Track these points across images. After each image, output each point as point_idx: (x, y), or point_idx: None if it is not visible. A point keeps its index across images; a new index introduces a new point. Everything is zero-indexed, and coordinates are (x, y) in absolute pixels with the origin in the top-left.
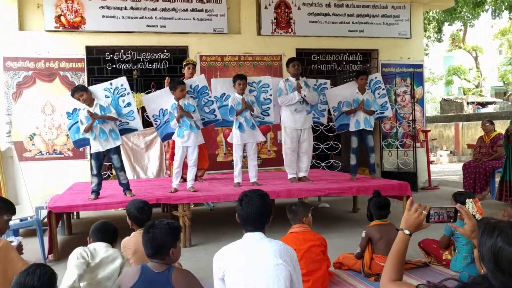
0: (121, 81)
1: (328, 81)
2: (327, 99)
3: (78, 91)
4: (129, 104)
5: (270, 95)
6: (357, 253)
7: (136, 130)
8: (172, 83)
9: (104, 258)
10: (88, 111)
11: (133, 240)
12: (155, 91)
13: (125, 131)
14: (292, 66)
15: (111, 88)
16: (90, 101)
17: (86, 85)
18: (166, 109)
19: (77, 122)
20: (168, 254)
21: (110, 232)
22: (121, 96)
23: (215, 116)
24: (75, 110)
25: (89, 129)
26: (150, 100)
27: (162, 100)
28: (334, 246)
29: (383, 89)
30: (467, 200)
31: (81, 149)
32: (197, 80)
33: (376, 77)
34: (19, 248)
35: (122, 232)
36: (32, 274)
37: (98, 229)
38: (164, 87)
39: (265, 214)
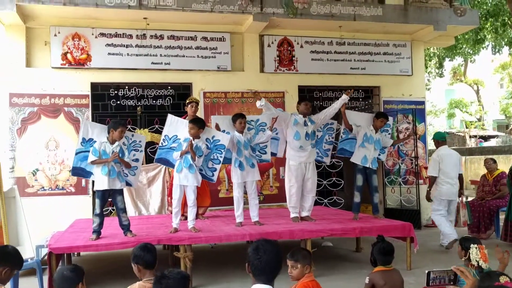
0: (141, 138)
1: (335, 122)
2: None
3: (123, 126)
4: (137, 160)
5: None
6: None
7: (130, 185)
8: (114, 123)
9: None
10: (114, 151)
11: None
12: (159, 127)
13: None
14: (305, 104)
15: (131, 138)
16: (115, 140)
17: (90, 121)
18: (179, 139)
19: (87, 151)
20: None
21: (70, 279)
22: (135, 150)
23: (212, 175)
24: (90, 139)
25: (100, 163)
26: (173, 122)
27: (181, 128)
28: None
29: (389, 133)
30: (472, 245)
31: (83, 184)
32: (222, 136)
33: (388, 121)
34: None
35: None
36: None
37: (59, 279)
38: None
39: (280, 266)
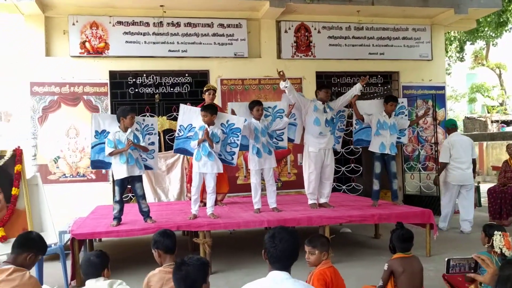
0: (153, 121)
1: (346, 109)
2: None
3: (132, 112)
4: (152, 143)
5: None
6: (379, 286)
7: (151, 169)
8: (123, 111)
9: None
10: (128, 138)
11: (158, 276)
12: (177, 114)
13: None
14: (325, 91)
15: (142, 123)
16: (127, 127)
17: (109, 109)
18: (194, 127)
19: (103, 143)
20: None
21: (97, 264)
22: (149, 134)
23: (232, 159)
24: (103, 131)
25: (117, 153)
26: (186, 111)
27: (197, 117)
28: (355, 275)
29: (406, 115)
30: (496, 232)
31: (103, 171)
32: (236, 119)
33: (402, 102)
34: None
35: (142, 260)
36: None
37: (84, 264)
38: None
39: (296, 254)
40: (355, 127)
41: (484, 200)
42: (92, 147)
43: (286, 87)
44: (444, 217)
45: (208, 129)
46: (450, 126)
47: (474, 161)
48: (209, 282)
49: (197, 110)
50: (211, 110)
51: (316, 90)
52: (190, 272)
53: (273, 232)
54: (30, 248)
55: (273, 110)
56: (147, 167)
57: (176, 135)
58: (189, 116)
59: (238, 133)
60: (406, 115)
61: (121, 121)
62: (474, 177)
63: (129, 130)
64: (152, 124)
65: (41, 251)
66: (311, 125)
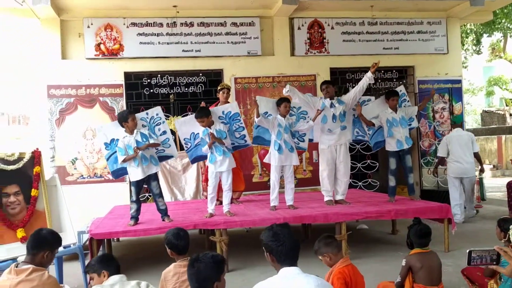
0: (157, 111)
1: (372, 98)
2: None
3: (131, 114)
4: (164, 132)
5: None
6: (397, 282)
7: (172, 157)
8: (122, 116)
9: None
10: (137, 143)
11: (173, 271)
12: (192, 113)
13: (162, 158)
14: (325, 87)
15: (147, 117)
16: (132, 129)
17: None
18: (198, 133)
19: (115, 152)
20: None
21: (115, 261)
22: (157, 124)
23: (245, 141)
24: (112, 140)
25: (129, 159)
26: (182, 124)
27: (194, 124)
28: (373, 271)
29: (408, 100)
30: (511, 227)
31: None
32: (230, 107)
33: (400, 90)
34: None
35: (159, 259)
36: None
37: (104, 260)
38: None
39: (299, 248)
40: (368, 133)
41: (503, 194)
42: (107, 159)
43: (288, 92)
44: (456, 209)
45: (211, 130)
46: (452, 123)
47: (476, 155)
48: (224, 280)
49: (190, 118)
50: (204, 113)
51: (321, 86)
52: (202, 269)
53: (273, 232)
54: (44, 246)
55: (297, 111)
56: (168, 157)
57: (186, 148)
58: (187, 126)
59: (239, 117)
60: (408, 101)
61: (124, 126)
62: (482, 171)
63: (135, 131)
64: (157, 114)
65: (56, 245)
66: (319, 122)
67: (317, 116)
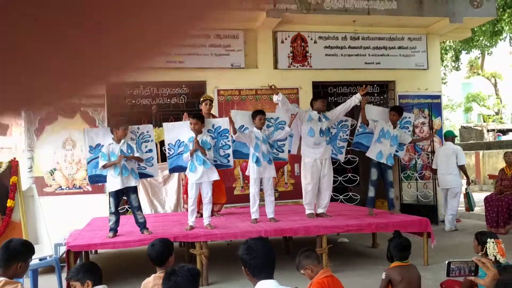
0: (148, 128)
1: (350, 119)
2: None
3: (124, 124)
4: (150, 151)
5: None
6: None
7: (151, 176)
8: (116, 122)
9: None
10: (121, 152)
11: (153, 283)
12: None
13: (142, 175)
14: (322, 101)
15: (137, 132)
16: (120, 138)
17: (106, 121)
18: (183, 142)
19: (97, 157)
20: None
21: (99, 270)
22: (145, 141)
23: (228, 161)
24: (98, 145)
25: (110, 165)
26: (170, 129)
27: (181, 131)
28: (353, 284)
29: (410, 131)
30: (488, 240)
31: (99, 184)
32: (221, 121)
33: (409, 117)
34: None
35: (139, 271)
36: None
37: (89, 268)
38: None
39: (275, 259)
40: (358, 130)
41: (480, 208)
42: (88, 163)
43: (279, 100)
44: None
45: (198, 137)
46: (446, 135)
47: (462, 167)
48: None
49: (181, 124)
50: (201, 118)
51: (312, 101)
52: (179, 283)
53: (247, 245)
54: (16, 258)
55: (275, 121)
56: (147, 175)
57: (168, 154)
58: (175, 132)
59: (227, 134)
60: (410, 131)
61: (114, 132)
62: (469, 183)
63: (122, 141)
64: (148, 131)
65: (28, 256)
66: (305, 135)
67: (292, 121)
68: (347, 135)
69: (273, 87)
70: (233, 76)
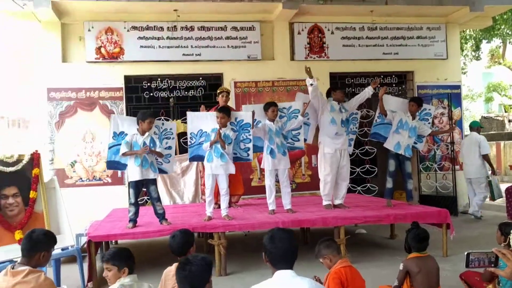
0: (172, 126)
1: (359, 112)
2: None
3: (151, 117)
4: (169, 148)
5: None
6: (394, 286)
7: (166, 173)
8: (143, 114)
9: None
10: (144, 144)
11: (174, 271)
12: None
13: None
14: (341, 92)
15: (161, 127)
16: (144, 131)
17: (125, 113)
18: (205, 132)
19: (120, 144)
20: None
21: (134, 259)
22: (166, 138)
23: (248, 155)
24: (122, 133)
25: (130, 154)
26: (194, 118)
27: (205, 121)
28: (371, 275)
29: (429, 123)
30: None
31: (119, 174)
32: (244, 115)
33: (429, 109)
34: None
35: (158, 262)
36: None
37: (128, 256)
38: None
39: (296, 252)
40: (376, 120)
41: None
42: (109, 148)
43: (312, 84)
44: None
45: (221, 130)
46: (471, 126)
47: (485, 157)
48: (211, 281)
49: (204, 114)
50: (229, 112)
51: (331, 91)
52: (193, 272)
53: (271, 234)
54: (39, 248)
55: (288, 111)
56: (162, 171)
57: (189, 143)
58: (198, 122)
59: (249, 128)
60: (429, 123)
61: (139, 124)
62: (494, 173)
63: (147, 134)
64: (171, 129)
65: (51, 245)
66: (327, 125)
67: (304, 110)
68: (356, 127)
69: (308, 69)
70: (249, 68)
